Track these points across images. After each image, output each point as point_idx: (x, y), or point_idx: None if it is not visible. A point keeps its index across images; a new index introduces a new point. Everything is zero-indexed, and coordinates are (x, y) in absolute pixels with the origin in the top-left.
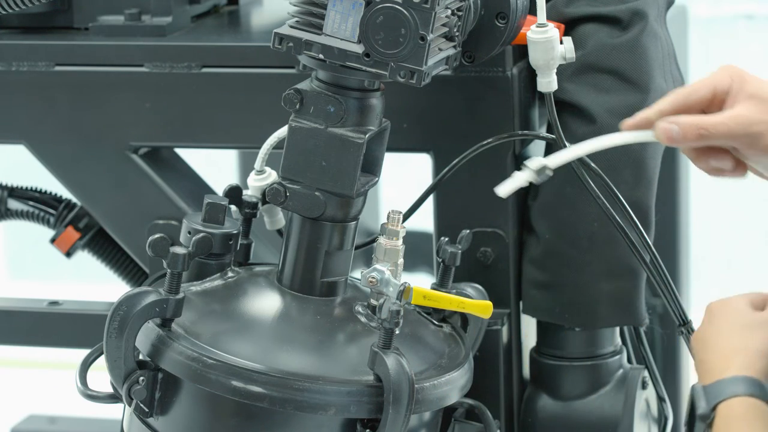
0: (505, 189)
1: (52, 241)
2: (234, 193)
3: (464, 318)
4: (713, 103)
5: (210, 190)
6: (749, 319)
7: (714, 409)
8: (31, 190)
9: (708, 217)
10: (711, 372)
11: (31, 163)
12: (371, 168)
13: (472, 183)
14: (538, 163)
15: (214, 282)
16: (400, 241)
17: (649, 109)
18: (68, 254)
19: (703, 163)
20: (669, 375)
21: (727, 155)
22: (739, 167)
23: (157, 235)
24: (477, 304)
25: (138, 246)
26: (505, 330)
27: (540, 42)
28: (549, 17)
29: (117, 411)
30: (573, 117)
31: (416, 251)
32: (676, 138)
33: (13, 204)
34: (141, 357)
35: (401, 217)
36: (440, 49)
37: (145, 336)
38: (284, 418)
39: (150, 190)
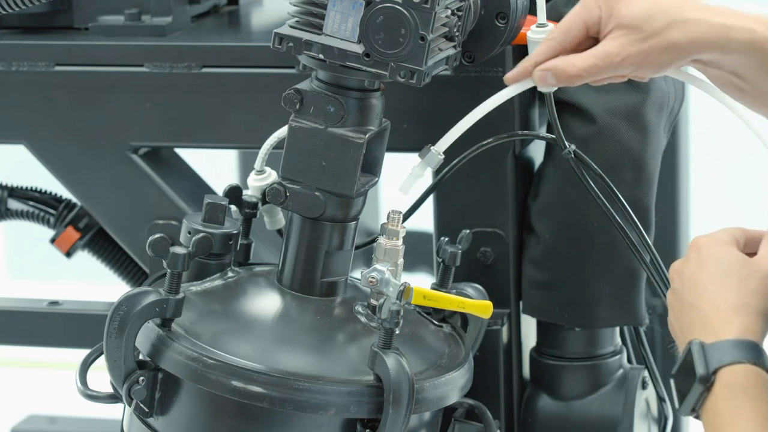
0: (405, 185)
1: (52, 241)
2: (234, 193)
3: (464, 318)
4: (589, 37)
5: (210, 190)
6: (745, 270)
7: (715, 372)
8: (31, 190)
9: (708, 217)
10: (706, 325)
11: (31, 163)
12: (371, 168)
13: (472, 183)
14: (426, 150)
15: (214, 282)
16: (400, 241)
17: (526, 60)
18: (68, 254)
19: (598, 83)
20: (669, 375)
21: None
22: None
23: (157, 235)
24: (477, 304)
25: (138, 246)
26: (505, 330)
27: (540, 42)
28: (549, 17)
29: (117, 411)
30: (573, 117)
31: (416, 251)
32: (553, 83)
33: (13, 204)
34: (141, 357)
35: (401, 217)
36: (440, 49)
37: (145, 336)
38: (284, 418)
39: (150, 190)
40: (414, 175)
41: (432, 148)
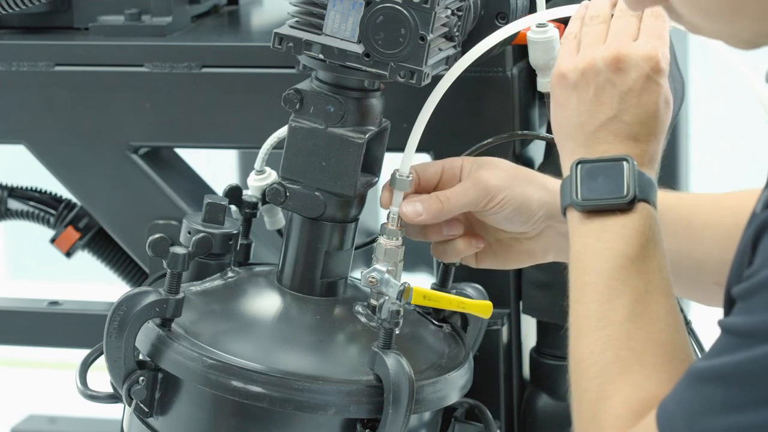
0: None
1: (52, 241)
2: (234, 193)
3: (464, 318)
4: (442, 181)
5: (210, 190)
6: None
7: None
8: (31, 190)
9: None
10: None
11: (31, 163)
12: (371, 168)
13: None
14: (394, 177)
15: (214, 282)
16: (400, 241)
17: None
18: (68, 254)
19: (436, 235)
20: None
21: (459, 223)
22: (470, 239)
23: (157, 235)
24: (477, 304)
25: (138, 246)
26: (505, 330)
27: (540, 42)
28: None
29: (117, 411)
30: None
31: (416, 251)
32: (422, 213)
33: (13, 204)
34: (141, 357)
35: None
36: (440, 49)
37: (145, 336)
38: (284, 418)
39: (150, 190)
40: (397, 204)
41: (397, 174)
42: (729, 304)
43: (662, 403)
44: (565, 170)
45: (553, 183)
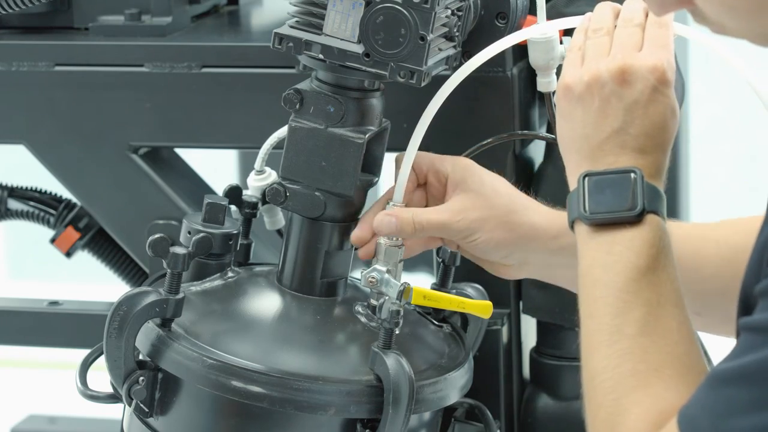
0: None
1: (52, 241)
2: (234, 193)
3: (464, 318)
4: (427, 184)
5: (210, 190)
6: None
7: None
8: (31, 190)
9: (708, 217)
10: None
11: (31, 163)
12: (371, 168)
13: None
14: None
15: (214, 282)
16: (400, 241)
17: (370, 211)
18: (68, 254)
19: (417, 245)
20: None
21: (438, 240)
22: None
23: (157, 235)
24: (477, 304)
25: (138, 246)
26: (505, 330)
27: (540, 42)
28: (549, 17)
29: (117, 411)
30: None
31: None
32: (395, 231)
33: (13, 204)
34: (141, 357)
35: None
36: (440, 49)
37: (145, 336)
38: (284, 418)
39: (150, 190)
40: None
41: (391, 203)
42: (744, 306)
43: (683, 408)
44: (572, 183)
45: (532, 219)
